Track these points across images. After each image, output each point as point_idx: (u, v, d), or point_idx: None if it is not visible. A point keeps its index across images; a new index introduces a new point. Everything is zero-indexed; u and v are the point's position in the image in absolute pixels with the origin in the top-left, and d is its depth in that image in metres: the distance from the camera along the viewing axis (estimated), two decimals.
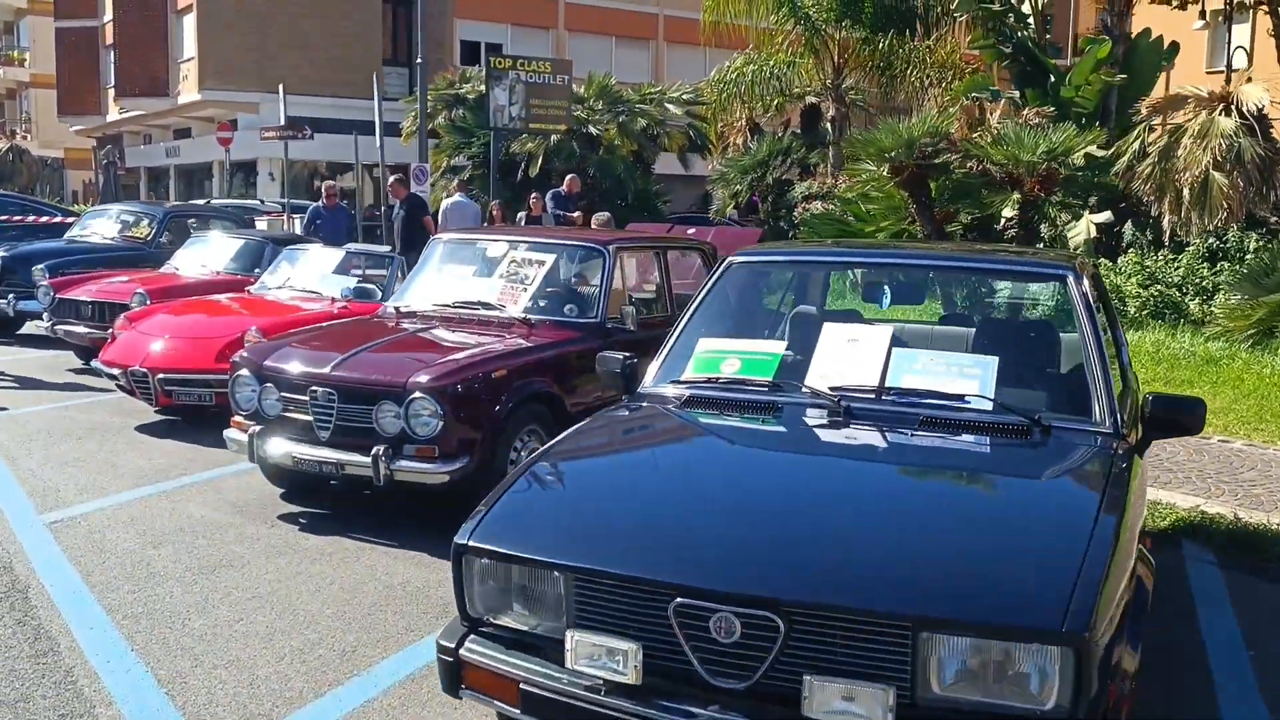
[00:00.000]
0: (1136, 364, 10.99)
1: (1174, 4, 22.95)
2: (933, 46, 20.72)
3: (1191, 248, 15.63)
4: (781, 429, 3.93)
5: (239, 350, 8.49)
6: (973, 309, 6.09)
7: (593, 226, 11.24)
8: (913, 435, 3.71)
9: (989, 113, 15.09)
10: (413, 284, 7.86)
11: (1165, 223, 11.23)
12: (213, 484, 7.31)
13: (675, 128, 21.39)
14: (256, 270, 11.98)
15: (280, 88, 22.42)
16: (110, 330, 10.04)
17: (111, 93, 40.81)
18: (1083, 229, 15.37)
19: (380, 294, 9.92)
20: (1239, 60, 28.89)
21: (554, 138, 18.75)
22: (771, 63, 22.39)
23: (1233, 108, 10.67)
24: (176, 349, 8.85)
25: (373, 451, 6.04)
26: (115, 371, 8.94)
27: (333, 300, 9.70)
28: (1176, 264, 15.44)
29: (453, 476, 6.07)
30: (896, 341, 4.14)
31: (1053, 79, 17.87)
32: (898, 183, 14.16)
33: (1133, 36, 17.53)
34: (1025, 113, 14.63)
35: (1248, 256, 14.85)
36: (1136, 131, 11.40)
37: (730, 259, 4.71)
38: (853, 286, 8.96)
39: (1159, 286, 15.02)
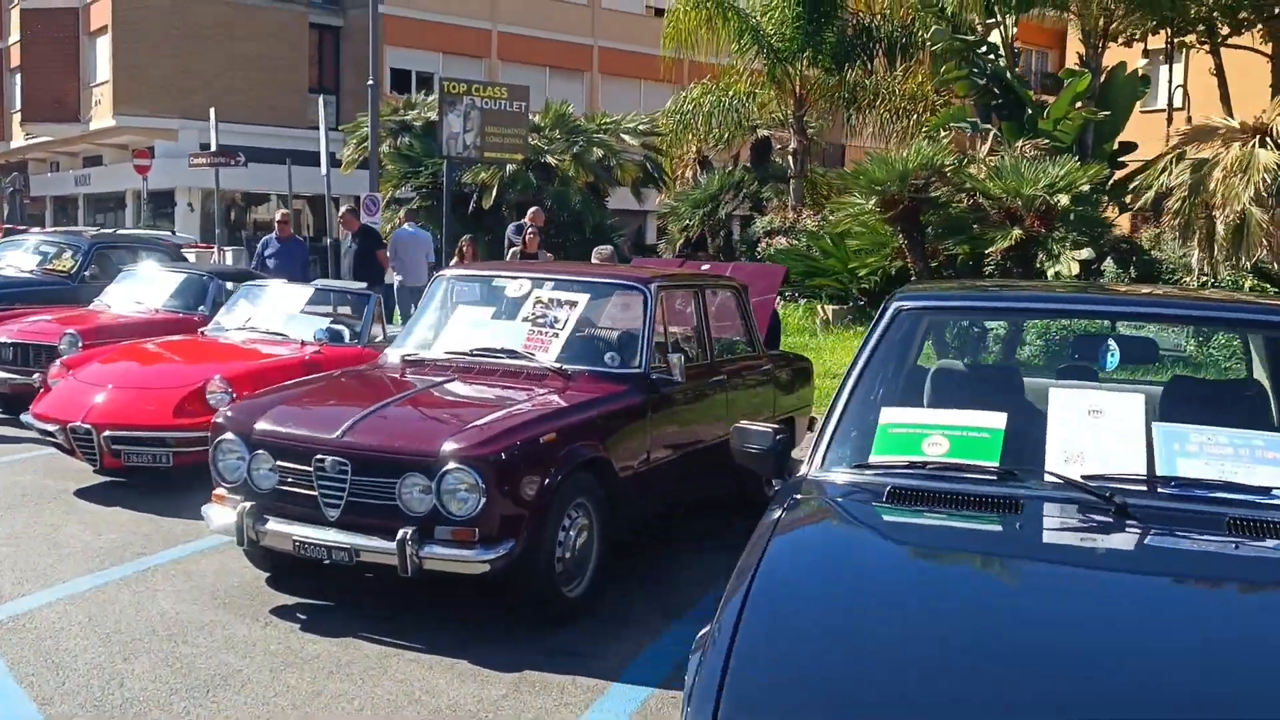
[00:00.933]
0: None
1: (1120, 41, 22.83)
2: (901, 78, 20.18)
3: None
4: (1045, 536, 2.95)
5: (205, 404, 7.39)
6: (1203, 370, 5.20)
7: (594, 261, 10.22)
8: (1229, 542, 2.77)
9: (974, 146, 14.45)
10: (416, 328, 6.77)
11: (1194, 261, 10.63)
12: (181, 567, 6.10)
13: (631, 159, 20.53)
14: (201, 309, 10.75)
15: (212, 113, 21.07)
16: (39, 377, 8.74)
17: (17, 118, 38.71)
18: (1064, 266, 14.82)
19: (356, 336, 8.81)
20: (1179, 98, 29.06)
21: (510, 167, 17.75)
22: (731, 93, 21.66)
23: (1269, 139, 10.14)
24: (126, 401, 7.61)
25: (399, 536, 4.94)
26: (51, 427, 7.66)
27: (302, 344, 8.54)
28: None
29: (495, 565, 4.99)
30: (1156, 413, 3.21)
31: (1029, 112, 17.39)
32: (890, 217, 13.40)
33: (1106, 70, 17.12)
34: (1020, 145, 14.02)
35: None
36: (1163, 165, 10.82)
37: (897, 304, 3.71)
38: (1046, 343, 8.02)
39: None
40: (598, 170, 19.11)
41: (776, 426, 3.63)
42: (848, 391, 3.55)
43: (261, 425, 5.41)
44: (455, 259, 13.98)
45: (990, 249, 13.30)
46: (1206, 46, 24.96)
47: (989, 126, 16.74)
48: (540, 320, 6.31)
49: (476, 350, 6.27)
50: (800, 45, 19.80)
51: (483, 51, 38.06)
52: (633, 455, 5.93)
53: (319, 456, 5.18)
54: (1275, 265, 10.30)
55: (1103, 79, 17.58)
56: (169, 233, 27.03)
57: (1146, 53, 27.38)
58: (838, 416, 3.48)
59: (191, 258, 19.22)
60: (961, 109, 17.56)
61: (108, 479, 7.87)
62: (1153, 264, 14.85)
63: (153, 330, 9.77)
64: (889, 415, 3.41)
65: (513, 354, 6.18)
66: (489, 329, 6.44)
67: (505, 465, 5.02)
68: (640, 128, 20.26)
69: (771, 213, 21.29)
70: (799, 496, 3.23)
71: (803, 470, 3.41)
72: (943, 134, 15.94)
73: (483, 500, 4.94)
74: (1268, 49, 24.00)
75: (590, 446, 5.54)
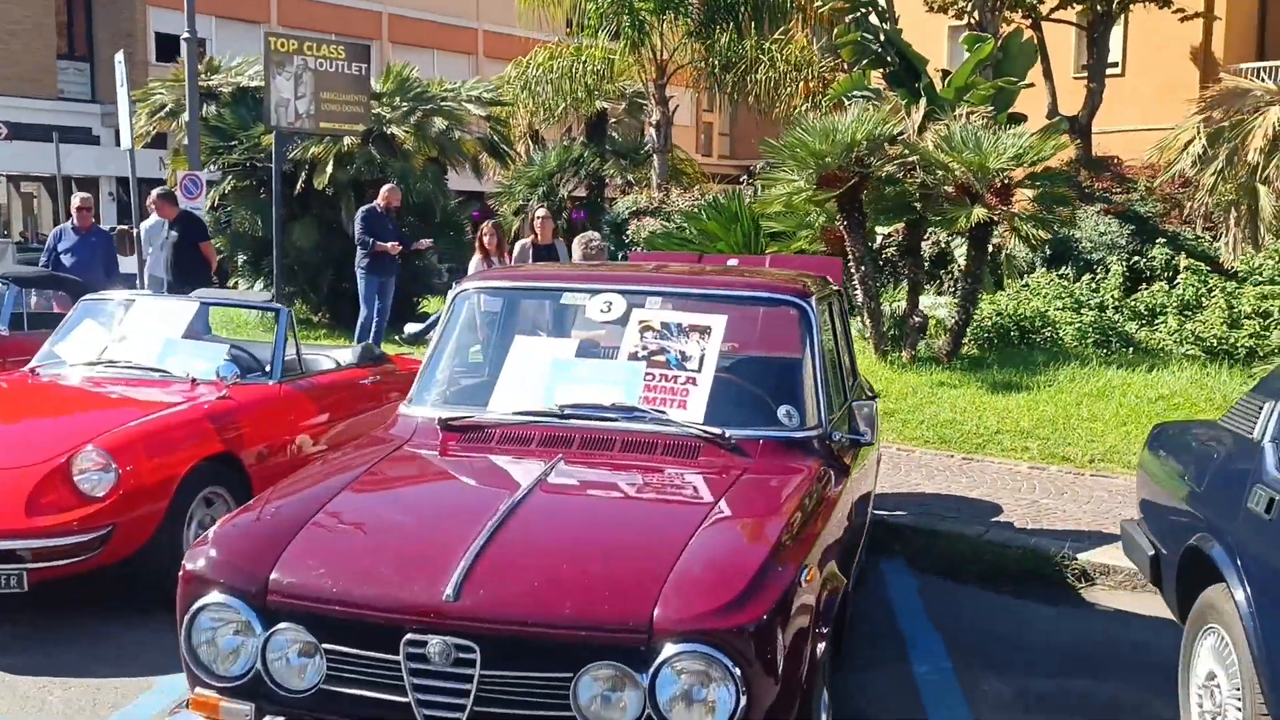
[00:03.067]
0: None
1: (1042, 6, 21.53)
2: (783, 44, 18.54)
3: (1114, 269, 14.19)
4: None
5: (75, 490, 4.80)
6: None
7: (576, 256, 7.90)
8: None
9: (908, 115, 12.89)
10: (441, 368, 4.42)
11: (1227, 241, 9.40)
12: None
13: (472, 134, 18.08)
14: None
15: None
16: None
17: None
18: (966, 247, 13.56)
19: (271, 370, 6.31)
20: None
21: (348, 140, 15.05)
22: (584, 59, 19.48)
23: None
24: None
25: None
26: None
27: (194, 383, 5.95)
28: (1096, 288, 13.94)
29: None
30: None
31: (925, 80, 16.07)
32: (832, 196, 11.64)
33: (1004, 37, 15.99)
34: (961, 113, 12.54)
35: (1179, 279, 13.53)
36: (1188, 131, 9.51)
37: None
38: None
39: (1091, 311, 13.42)
40: (443, 143, 16.63)
41: None
42: None
43: (285, 577, 3.04)
44: (477, 255, 10.64)
45: (952, 229, 11.77)
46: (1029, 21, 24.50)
47: (894, 94, 15.29)
48: (659, 356, 4.12)
49: (569, 408, 4.01)
50: (661, 4, 17.85)
51: (261, 15, 34.29)
52: (846, 571, 3.87)
53: (414, 636, 2.88)
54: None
55: (999, 46, 16.47)
56: None
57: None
58: None
59: None
60: (860, 77, 16.09)
61: None
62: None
63: None
64: None
65: (633, 413, 3.97)
66: (574, 372, 4.19)
67: (767, 637, 2.87)
68: (484, 95, 17.84)
69: (635, 192, 19.31)
70: None
71: None
72: (849, 104, 14.38)
73: (740, 700, 2.78)
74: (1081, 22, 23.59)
75: (835, 583, 3.46)
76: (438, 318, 13.00)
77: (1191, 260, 13.74)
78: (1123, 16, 22.04)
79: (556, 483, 3.61)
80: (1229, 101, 9.30)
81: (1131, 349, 12.84)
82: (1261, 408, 3.84)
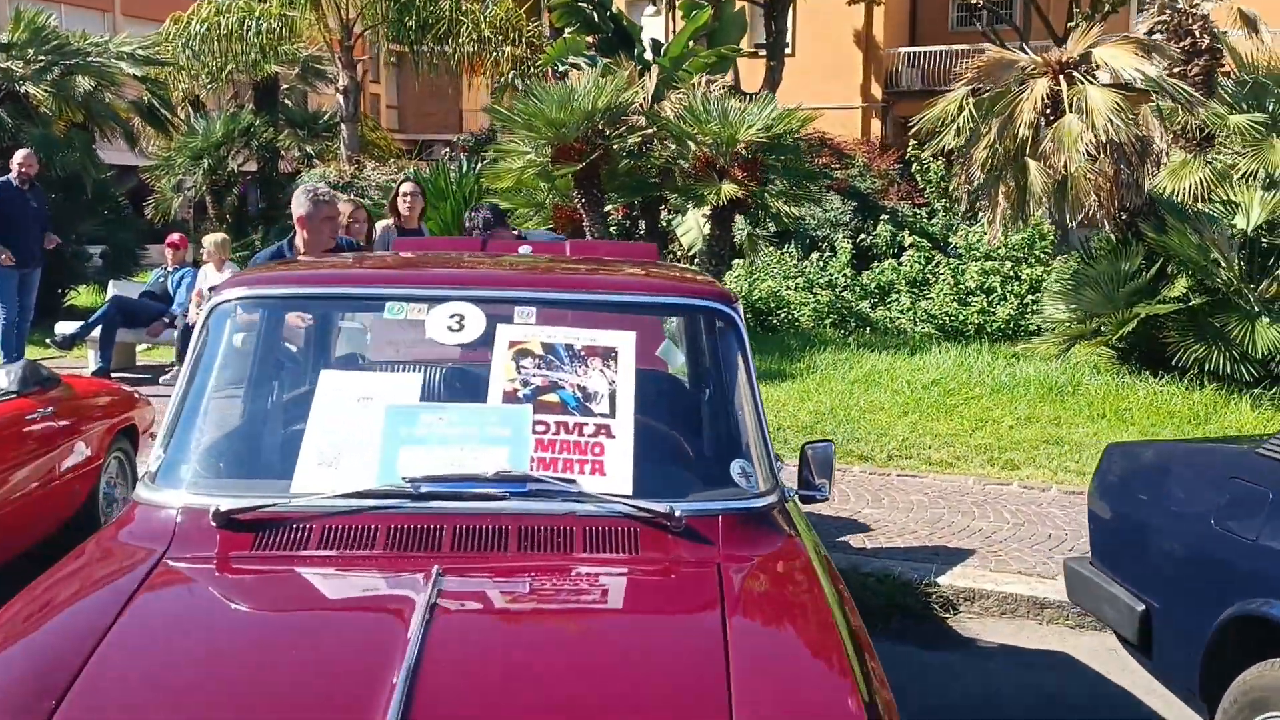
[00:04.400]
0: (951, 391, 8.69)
1: None
2: (486, 5, 17.01)
3: (843, 247, 13.93)
4: None
5: None
6: None
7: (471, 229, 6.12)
8: None
9: (639, 84, 11.95)
10: (194, 419, 2.86)
11: (997, 215, 9.00)
12: None
13: (126, 99, 15.44)
14: None
15: None
16: None
17: None
18: (691, 224, 12.95)
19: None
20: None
21: None
22: (257, 15, 17.16)
23: (1076, 75, 8.66)
24: None
25: None
26: None
27: None
28: (825, 266, 13.64)
29: None
30: None
31: (638, 48, 15.26)
32: (571, 171, 10.50)
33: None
34: (699, 82, 11.72)
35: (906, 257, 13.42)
36: (955, 104, 9.01)
37: None
38: None
39: (824, 291, 13.08)
40: (92, 107, 13.99)
41: None
42: None
43: None
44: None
45: (702, 207, 10.91)
46: None
47: (610, 61, 14.31)
48: (548, 395, 2.80)
49: (425, 481, 2.60)
50: None
51: None
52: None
53: None
54: (1105, 224, 9.03)
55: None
56: None
57: None
58: None
59: None
60: (575, 41, 14.97)
61: None
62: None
63: None
64: None
65: (526, 485, 2.62)
66: (423, 423, 2.76)
67: None
68: (138, 53, 15.24)
69: (323, 165, 17.30)
70: None
71: None
72: (571, 72, 13.28)
73: None
74: None
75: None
76: (102, 315, 10.83)
77: (916, 237, 13.71)
78: None
79: (450, 618, 2.24)
80: (996, 73, 8.99)
81: (869, 328, 12.58)
82: None
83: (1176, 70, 9.37)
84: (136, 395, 6.57)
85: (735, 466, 2.83)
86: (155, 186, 20.14)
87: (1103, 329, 8.94)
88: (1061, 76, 8.89)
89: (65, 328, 11.03)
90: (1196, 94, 8.89)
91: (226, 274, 10.89)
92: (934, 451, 7.76)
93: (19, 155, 10.56)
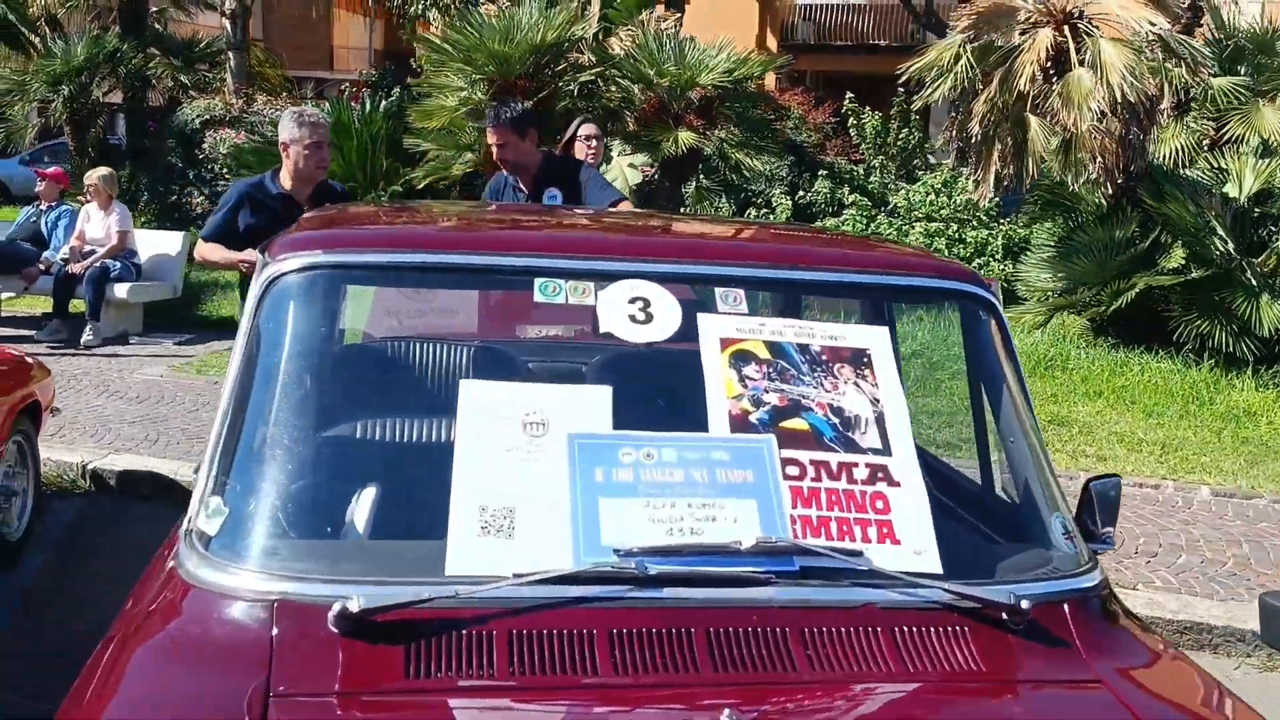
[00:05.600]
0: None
1: None
2: None
3: (781, 204, 13.21)
4: None
5: None
6: None
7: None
8: None
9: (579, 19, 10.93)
10: (262, 449, 1.90)
11: (990, 173, 8.35)
12: None
13: None
14: None
15: None
16: None
17: None
18: (617, 173, 12.08)
19: None
20: None
21: None
22: None
23: (1090, 26, 8.03)
24: None
25: None
26: None
27: None
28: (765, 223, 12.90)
29: None
30: None
31: None
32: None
33: None
34: (648, 16, 10.75)
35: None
36: (951, 52, 8.26)
37: None
38: None
39: None
40: None
41: None
42: None
43: None
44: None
45: (631, 156, 9.98)
46: None
47: None
48: (793, 420, 1.94)
49: (649, 555, 1.72)
50: None
51: None
52: None
53: None
54: (1108, 185, 8.45)
55: None
56: None
57: None
58: None
59: None
60: None
61: None
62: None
63: None
64: None
65: (803, 559, 1.77)
66: (623, 467, 1.86)
67: None
68: None
69: (207, 98, 15.70)
70: None
71: None
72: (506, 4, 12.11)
73: None
74: None
75: None
76: None
77: (857, 195, 13.08)
78: None
79: None
80: (997, 20, 8.32)
81: None
82: None
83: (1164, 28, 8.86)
84: (33, 362, 5.41)
85: (1055, 524, 2.01)
86: (8, 114, 18.14)
87: (1095, 299, 8.43)
88: (1066, 27, 8.27)
89: None
90: (1203, 51, 8.41)
91: (114, 215, 9.52)
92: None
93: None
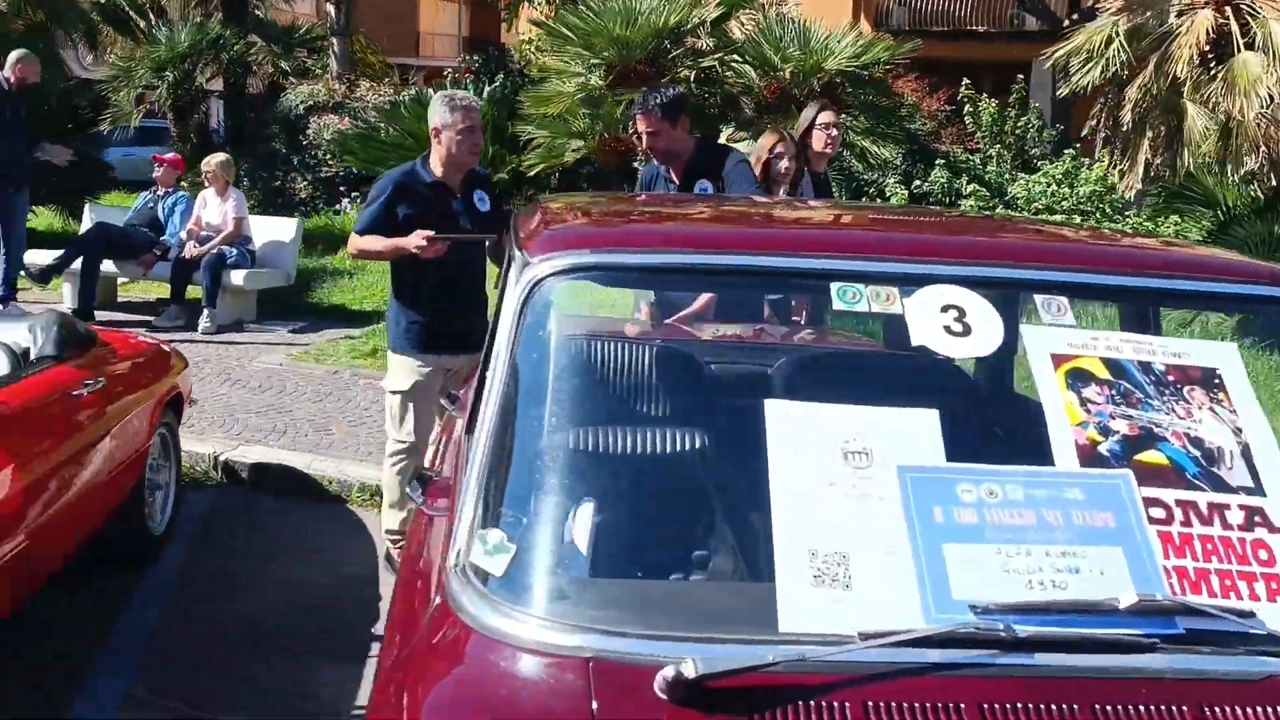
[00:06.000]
0: None
1: None
2: None
3: (897, 195, 12.81)
4: None
5: None
6: None
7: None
8: None
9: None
10: (585, 496, 1.67)
11: (1139, 163, 7.95)
12: None
13: None
14: None
15: None
16: None
17: None
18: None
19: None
20: None
21: None
22: None
23: (1255, 9, 7.63)
24: None
25: None
26: None
27: None
28: None
29: None
30: None
31: None
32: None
33: None
34: (765, 1, 10.46)
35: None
36: (1103, 35, 7.87)
37: None
38: None
39: None
40: (58, 5, 12.32)
41: None
42: None
43: None
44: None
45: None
46: None
47: None
48: (1150, 453, 1.67)
49: (1017, 614, 1.46)
50: None
51: None
52: None
53: None
54: (1273, 178, 8.01)
55: None
56: None
57: None
58: None
59: None
60: None
61: None
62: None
63: None
64: None
65: (1187, 621, 1.50)
66: (965, 507, 1.61)
67: None
68: None
69: (311, 83, 15.73)
70: None
71: None
72: None
73: None
74: None
75: None
76: (84, 243, 9.31)
77: (975, 185, 12.65)
78: None
79: None
80: (1151, 2, 7.90)
81: None
82: None
83: None
84: (176, 353, 5.31)
85: None
86: (113, 100, 18.36)
87: None
88: (1228, 8, 7.83)
89: (38, 257, 9.51)
90: None
91: (231, 201, 9.47)
92: None
93: (15, 58, 8.87)
